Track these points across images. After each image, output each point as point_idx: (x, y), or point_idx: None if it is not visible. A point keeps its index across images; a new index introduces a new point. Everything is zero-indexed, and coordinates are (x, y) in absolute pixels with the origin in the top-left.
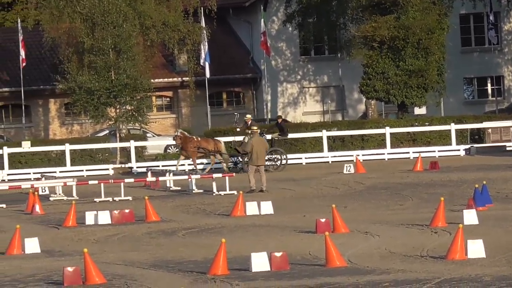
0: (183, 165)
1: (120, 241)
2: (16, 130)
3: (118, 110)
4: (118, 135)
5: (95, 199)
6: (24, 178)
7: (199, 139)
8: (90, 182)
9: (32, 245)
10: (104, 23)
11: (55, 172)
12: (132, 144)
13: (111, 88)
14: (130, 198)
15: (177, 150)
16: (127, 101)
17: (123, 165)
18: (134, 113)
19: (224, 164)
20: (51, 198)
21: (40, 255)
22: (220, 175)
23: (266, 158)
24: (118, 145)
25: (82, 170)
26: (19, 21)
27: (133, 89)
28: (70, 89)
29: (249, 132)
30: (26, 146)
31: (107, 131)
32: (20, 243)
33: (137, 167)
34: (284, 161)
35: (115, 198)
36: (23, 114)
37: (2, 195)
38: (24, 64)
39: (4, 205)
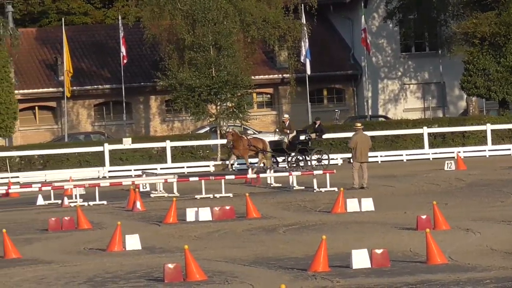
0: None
1: (220, 237)
2: (117, 127)
3: (218, 107)
4: (218, 132)
5: (196, 196)
6: (125, 175)
7: (249, 138)
8: (191, 178)
9: (133, 242)
10: (205, 20)
11: (156, 169)
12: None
13: (211, 85)
14: (231, 195)
15: (229, 146)
16: (227, 98)
17: (223, 162)
18: (234, 110)
19: (267, 162)
20: (152, 195)
21: (141, 251)
22: (321, 172)
23: (314, 158)
24: (219, 142)
25: (183, 167)
26: (120, 18)
27: (233, 86)
28: (171, 86)
29: (286, 133)
30: (127, 143)
31: (207, 128)
32: (121, 240)
33: (237, 164)
34: (326, 161)
35: (216, 195)
36: (124, 111)
37: (103, 192)
38: (125, 61)
39: (105, 202)
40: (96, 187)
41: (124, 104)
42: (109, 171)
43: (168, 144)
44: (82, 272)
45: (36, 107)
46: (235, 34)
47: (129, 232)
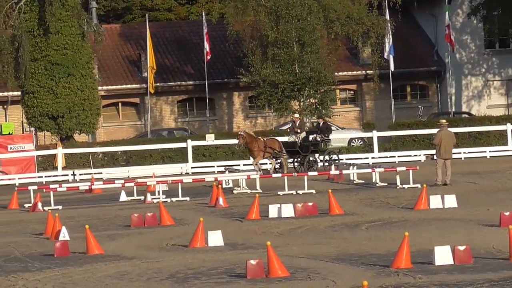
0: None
1: (303, 234)
2: (200, 123)
3: (301, 103)
4: None
5: (279, 192)
6: (208, 171)
7: (265, 139)
8: (274, 175)
9: (215, 238)
10: (288, 16)
11: (238, 165)
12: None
13: (295, 81)
14: (313, 191)
15: (239, 149)
16: (310, 94)
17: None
18: (318, 106)
19: (284, 163)
20: (234, 191)
21: (223, 248)
22: (403, 168)
23: (326, 159)
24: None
25: (266, 164)
26: (203, 14)
27: (317, 82)
28: (254, 82)
29: (299, 132)
30: (210, 139)
31: (291, 125)
32: (204, 236)
33: (320, 161)
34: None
35: (298, 191)
36: (207, 107)
37: (186, 188)
38: (208, 57)
39: (188, 198)
40: (179, 184)
41: (207, 100)
42: (192, 167)
43: None
44: (164, 268)
45: (120, 103)
46: (318, 31)
47: (212, 228)
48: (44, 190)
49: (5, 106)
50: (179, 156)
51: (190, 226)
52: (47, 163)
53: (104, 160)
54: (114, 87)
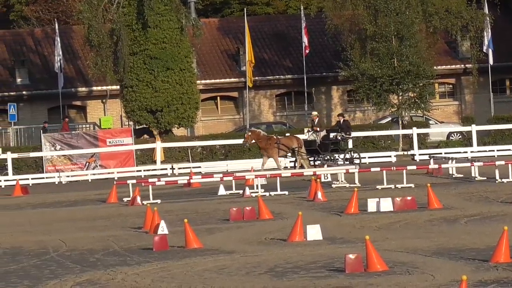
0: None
1: (402, 228)
2: (299, 117)
3: (400, 97)
4: (400, 122)
5: (377, 186)
6: None
7: (278, 137)
8: (372, 169)
9: (314, 232)
10: (387, 10)
11: (337, 159)
12: (415, 131)
13: (393, 75)
14: (412, 185)
15: (245, 147)
16: (409, 88)
17: (405, 152)
18: (416, 100)
19: (304, 162)
20: (333, 185)
21: (321, 242)
22: (503, 162)
23: (347, 158)
24: (401, 132)
25: (365, 157)
26: (302, 8)
27: (415, 76)
28: (353, 76)
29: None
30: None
31: (389, 118)
32: (302, 230)
33: (419, 154)
34: (357, 160)
35: (397, 185)
36: (305, 101)
37: (284, 182)
38: (307, 51)
39: (286, 192)
40: (278, 177)
41: (305, 94)
42: (291, 161)
43: None
44: (263, 262)
45: (218, 97)
46: (417, 24)
47: (310, 222)
48: (143, 184)
49: (104, 100)
50: None
51: (288, 220)
52: (146, 157)
53: (202, 154)
54: (213, 81)
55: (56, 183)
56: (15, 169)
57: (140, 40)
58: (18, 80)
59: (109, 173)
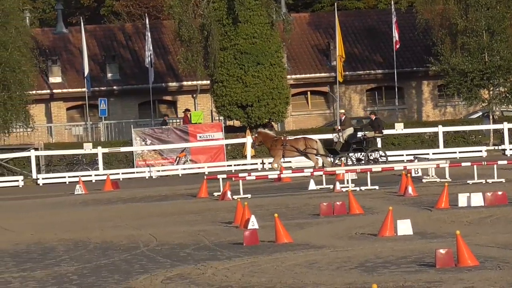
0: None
1: (492, 223)
2: (389, 112)
3: (491, 92)
4: (491, 117)
5: (468, 181)
6: (397, 160)
7: (287, 138)
8: (463, 164)
9: (404, 227)
10: (478, 4)
11: (427, 154)
12: (505, 126)
13: (484, 70)
14: (503, 180)
15: (254, 147)
16: (500, 83)
17: (496, 147)
18: (507, 95)
19: (325, 162)
20: (423, 180)
21: (412, 237)
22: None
23: (371, 158)
24: (491, 127)
25: (455, 152)
26: (392, 3)
27: (506, 71)
28: (443, 71)
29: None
30: (399, 128)
31: (480, 113)
32: (393, 225)
33: (510, 149)
34: (384, 159)
35: (488, 180)
36: (396, 96)
37: (375, 177)
38: (397, 46)
39: (377, 187)
40: (368, 172)
41: (396, 89)
42: (381, 156)
43: (440, 129)
44: (353, 257)
45: (308, 92)
46: (508, 19)
47: (401, 217)
48: (233, 178)
49: (194, 95)
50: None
51: (379, 215)
52: (236, 152)
53: None
54: (303, 76)
55: (147, 177)
56: (106, 163)
57: (231, 35)
58: (109, 75)
59: (199, 167)
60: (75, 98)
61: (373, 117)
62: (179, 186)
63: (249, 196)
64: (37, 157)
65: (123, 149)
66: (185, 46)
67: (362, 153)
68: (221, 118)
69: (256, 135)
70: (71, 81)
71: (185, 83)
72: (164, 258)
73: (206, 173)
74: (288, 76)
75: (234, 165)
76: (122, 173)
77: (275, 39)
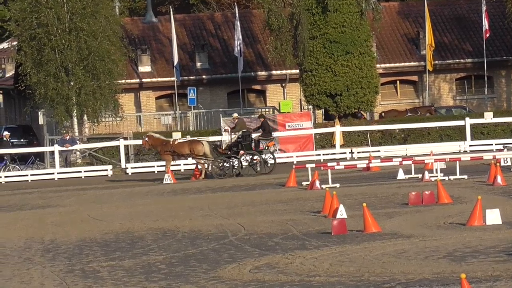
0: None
1: None
2: (479, 101)
3: None
4: None
5: None
6: (486, 149)
7: (176, 142)
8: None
9: (493, 216)
10: None
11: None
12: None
13: None
14: None
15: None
16: None
17: None
18: None
19: (205, 168)
20: None
21: (501, 226)
22: None
23: (247, 159)
24: None
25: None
26: None
27: None
28: None
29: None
30: (489, 117)
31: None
32: (482, 214)
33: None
34: (272, 161)
35: None
36: (485, 85)
37: (464, 166)
38: (487, 35)
39: (465, 176)
40: (457, 162)
41: (485, 78)
42: (470, 145)
43: None
44: (441, 247)
45: (397, 81)
46: None
47: (490, 207)
48: (322, 168)
49: (283, 84)
50: (457, 134)
51: (467, 204)
52: (325, 141)
53: (382, 138)
54: (392, 65)
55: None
56: None
57: (320, 24)
58: (198, 64)
59: (288, 157)
60: (164, 87)
61: (262, 119)
62: (267, 176)
63: (337, 185)
64: (126, 147)
65: (212, 138)
66: (274, 35)
67: (253, 156)
68: (310, 107)
69: (146, 139)
70: (160, 70)
71: (274, 72)
72: (252, 248)
73: (295, 162)
74: (377, 65)
75: (323, 154)
76: None
77: (364, 28)
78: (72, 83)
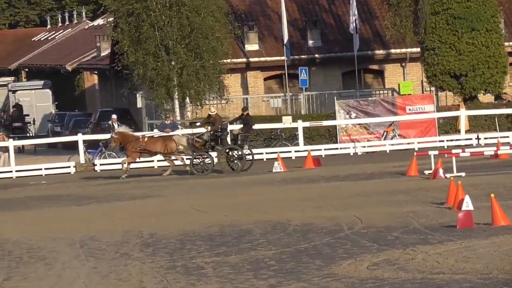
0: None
1: None
2: None
3: None
4: None
5: None
6: None
7: (145, 139)
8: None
9: None
10: None
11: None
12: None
13: None
14: None
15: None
16: None
17: None
18: None
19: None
20: None
21: None
22: None
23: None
24: None
25: None
26: None
27: None
28: None
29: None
30: None
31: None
32: None
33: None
34: (249, 157)
35: None
36: None
37: None
38: None
39: None
40: None
41: None
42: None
43: None
44: None
45: None
46: None
47: None
48: (446, 155)
49: (403, 64)
50: None
51: None
52: (449, 126)
53: (511, 123)
54: None
55: (351, 154)
56: (307, 139)
57: None
58: (310, 42)
59: (408, 143)
60: (273, 67)
61: (246, 113)
62: (386, 164)
63: (463, 174)
64: (232, 132)
65: (325, 122)
66: (393, 10)
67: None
68: (432, 88)
69: (115, 137)
70: (269, 48)
71: (393, 50)
72: (370, 242)
73: (416, 149)
74: (506, 43)
75: (447, 140)
76: (324, 149)
77: (491, 3)
78: (173, 63)
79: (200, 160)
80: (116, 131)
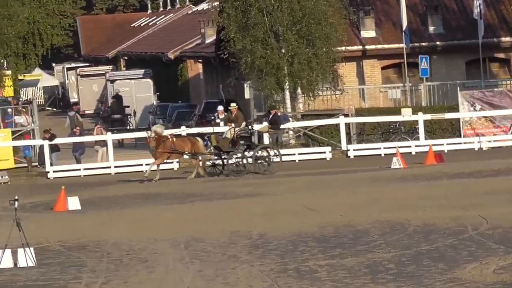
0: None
1: None
2: None
3: None
4: None
5: None
6: None
7: (174, 139)
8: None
9: None
10: None
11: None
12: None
13: None
14: None
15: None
16: None
17: None
18: None
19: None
20: None
21: None
22: None
23: (257, 156)
24: None
25: None
26: None
27: None
28: None
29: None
30: None
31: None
32: None
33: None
34: (277, 159)
35: None
36: None
37: None
38: None
39: None
40: None
41: None
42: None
43: None
44: None
45: None
46: None
47: None
48: None
49: None
50: None
51: None
52: None
53: None
54: None
55: (476, 149)
56: (428, 132)
57: None
58: (431, 28)
59: None
60: (392, 55)
61: (274, 112)
62: None
63: None
64: (347, 125)
65: (448, 115)
66: None
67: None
68: None
69: (154, 136)
70: (386, 35)
71: None
72: (497, 244)
73: None
74: None
75: None
76: (447, 144)
77: None
78: (283, 51)
79: (234, 161)
80: (152, 129)
